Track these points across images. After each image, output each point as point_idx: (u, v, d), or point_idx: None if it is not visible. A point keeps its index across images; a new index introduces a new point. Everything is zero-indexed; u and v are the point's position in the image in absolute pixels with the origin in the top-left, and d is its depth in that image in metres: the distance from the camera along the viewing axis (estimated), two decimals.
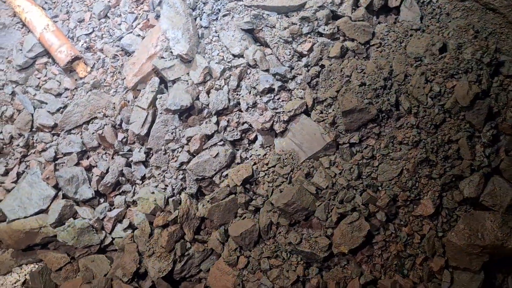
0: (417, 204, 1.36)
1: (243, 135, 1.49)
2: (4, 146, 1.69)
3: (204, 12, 1.56)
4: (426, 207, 1.34)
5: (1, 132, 1.69)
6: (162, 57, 1.52)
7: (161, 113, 1.51)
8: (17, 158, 1.68)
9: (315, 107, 1.43)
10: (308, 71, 1.45)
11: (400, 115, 1.37)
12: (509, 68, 1.35)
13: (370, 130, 1.38)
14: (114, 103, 1.61)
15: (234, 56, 1.52)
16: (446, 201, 1.35)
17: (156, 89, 1.53)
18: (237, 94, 1.50)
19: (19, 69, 1.69)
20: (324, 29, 1.46)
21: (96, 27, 1.68)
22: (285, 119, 1.43)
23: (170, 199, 1.47)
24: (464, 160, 1.33)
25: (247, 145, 1.50)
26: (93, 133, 1.62)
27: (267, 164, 1.44)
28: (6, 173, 1.69)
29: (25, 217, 1.55)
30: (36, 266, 1.61)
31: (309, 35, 1.47)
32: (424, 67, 1.38)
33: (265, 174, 1.44)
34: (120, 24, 1.66)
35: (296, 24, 1.46)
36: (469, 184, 1.31)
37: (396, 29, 1.47)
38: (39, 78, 1.71)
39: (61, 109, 1.66)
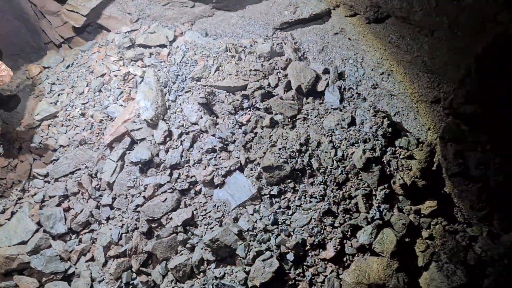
0: (323, 248, 1.68)
1: (190, 186, 1.90)
2: (6, 190, 2.18)
3: (172, 89, 2.08)
4: (328, 252, 1.66)
5: (6, 178, 2.18)
6: (134, 122, 2.01)
7: (127, 165, 1.97)
8: (14, 200, 2.14)
9: (247, 165, 1.85)
10: (244, 136, 1.89)
11: (312, 173, 1.77)
12: (401, 141, 1.75)
13: (287, 185, 1.76)
14: (94, 157, 2.09)
15: (192, 123, 2.00)
16: (347, 247, 1.67)
17: (127, 147, 2.00)
18: (189, 153, 1.94)
19: (28, 129, 2.22)
20: (259, 105, 1.93)
21: (91, 98, 2.23)
22: (222, 174, 1.85)
23: (124, 235, 1.86)
24: (361, 213, 1.67)
25: (193, 194, 1.90)
26: (75, 181, 2.09)
27: (205, 209, 1.83)
28: (3, 211, 2.15)
29: (8, 246, 1.97)
30: None
31: (248, 109, 1.94)
32: (334, 137, 1.80)
33: (203, 218, 1.82)
34: (109, 97, 2.21)
35: (239, 100, 1.95)
36: (363, 233, 1.64)
37: (320, 107, 1.93)
38: (41, 136, 2.24)
39: (53, 161, 2.15)
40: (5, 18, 2.71)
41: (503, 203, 1.51)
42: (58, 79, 2.37)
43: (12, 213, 2.10)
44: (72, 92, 2.29)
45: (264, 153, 1.80)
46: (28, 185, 2.16)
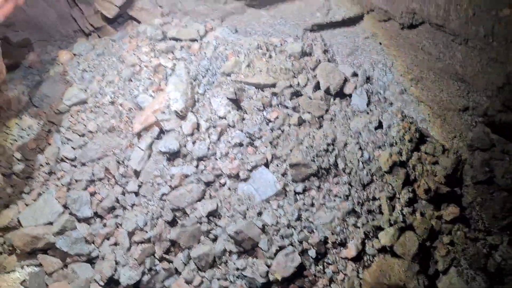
0: (344, 247, 1.72)
1: (215, 178, 1.95)
2: (33, 171, 2.24)
3: (201, 83, 2.12)
4: (350, 251, 1.70)
5: (33, 160, 2.24)
6: (163, 112, 2.06)
7: (154, 154, 2.02)
8: (40, 181, 2.21)
9: (273, 161, 1.89)
10: (271, 133, 1.93)
11: (337, 173, 1.80)
12: (426, 147, 1.78)
13: (312, 183, 1.80)
14: (122, 144, 2.14)
15: (220, 117, 2.04)
16: (368, 248, 1.70)
17: (155, 136, 2.05)
18: (216, 146, 1.99)
19: (57, 113, 2.28)
20: (288, 103, 1.97)
21: (121, 87, 2.28)
22: (248, 168, 1.89)
23: (149, 222, 1.91)
24: (384, 215, 1.71)
25: (218, 186, 1.95)
26: (102, 166, 2.14)
27: (229, 202, 1.88)
28: (30, 192, 2.21)
29: (35, 225, 2.03)
30: (36, 269, 2.05)
31: (277, 107, 1.98)
32: (360, 138, 1.84)
33: (227, 210, 1.86)
34: (139, 87, 2.26)
35: (268, 97, 1.99)
36: (385, 235, 1.68)
37: (347, 109, 1.96)
38: (70, 121, 2.29)
39: (82, 146, 2.21)
40: (38, 4, 2.76)
41: None
42: (89, 67, 2.43)
43: (39, 194, 2.15)
44: (102, 80, 2.35)
45: (291, 150, 1.84)
46: (56, 167, 2.22)
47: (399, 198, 1.73)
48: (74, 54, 2.60)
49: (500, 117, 1.16)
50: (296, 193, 1.79)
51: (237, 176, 1.89)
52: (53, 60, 2.64)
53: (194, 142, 1.98)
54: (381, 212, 1.71)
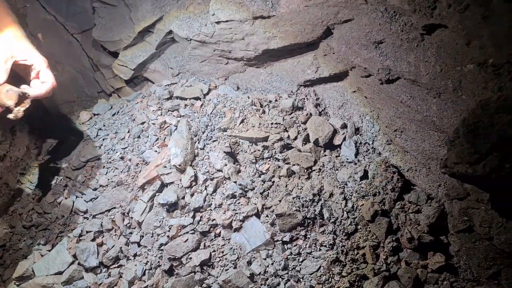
0: None
1: (211, 228, 2.05)
2: (50, 224, 2.42)
3: (201, 138, 2.28)
4: None
5: (51, 213, 2.43)
6: (165, 167, 2.22)
7: (155, 206, 2.16)
8: (56, 233, 2.38)
9: (263, 211, 1.97)
10: (263, 184, 2.03)
11: (323, 223, 1.86)
12: (410, 196, 1.82)
13: (299, 232, 1.87)
14: (127, 197, 2.30)
15: (216, 170, 2.17)
16: None
17: (157, 189, 2.20)
18: (212, 198, 2.11)
19: (74, 169, 2.49)
20: (278, 156, 2.08)
21: (130, 143, 2.48)
22: (240, 219, 1.99)
23: (147, 271, 2.02)
24: (368, 264, 1.74)
25: (213, 236, 2.05)
26: (109, 218, 2.30)
27: (222, 252, 1.96)
28: (46, 243, 2.39)
29: (46, 275, 2.18)
30: None
31: (268, 159, 2.09)
32: (346, 189, 1.90)
33: (220, 260, 1.95)
34: (146, 143, 2.45)
35: (260, 150, 2.11)
36: (370, 284, 1.69)
37: (335, 160, 2.05)
38: (85, 176, 2.49)
39: (93, 199, 2.39)
40: (66, 69, 3.08)
41: (510, 262, 1.53)
42: (104, 125, 2.65)
43: (53, 245, 2.32)
44: (115, 138, 2.56)
45: (280, 201, 1.92)
46: (69, 220, 2.39)
47: (383, 247, 1.76)
48: (94, 114, 2.86)
49: (457, 169, 1.22)
50: (283, 242, 1.86)
51: (230, 226, 1.99)
52: (76, 119, 2.90)
53: (192, 194, 2.11)
54: (365, 261, 1.74)
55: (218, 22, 2.20)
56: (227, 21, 2.16)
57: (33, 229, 2.43)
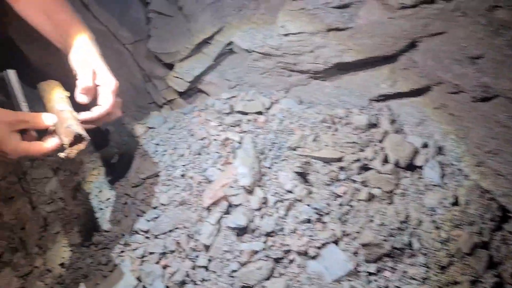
0: None
1: (284, 255, 1.94)
2: (110, 242, 2.35)
3: (268, 156, 2.17)
4: None
5: (110, 231, 2.36)
6: (231, 187, 2.12)
7: (223, 229, 2.06)
8: (116, 252, 2.31)
9: (343, 238, 1.85)
10: (340, 209, 1.91)
11: (412, 253, 1.72)
12: (510, 226, 1.66)
13: (385, 263, 1.74)
14: (192, 218, 2.21)
15: (286, 191, 2.06)
16: None
17: (224, 210, 2.10)
18: (283, 221, 1.99)
19: (133, 186, 2.42)
20: (356, 178, 1.95)
21: (191, 160, 2.39)
22: (317, 245, 1.87)
23: None
24: None
25: (287, 263, 1.93)
26: (173, 239, 2.21)
27: (299, 281, 1.84)
28: (107, 263, 2.32)
29: None
30: None
31: (344, 181, 1.96)
32: (436, 216, 1.76)
33: None
34: (208, 160, 2.35)
35: (335, 171, 1.98)
36: None
37: (418, 183, 1.90)
38: (144, 194, 2.42)
39: (154, 219, 2.31)
40: (119, 83, 3.01)
41: None
42: (161, 140, 2.57)
43: (115, 266, 2.25)
44: (174, 154, 2.47)
45: (361, 227, 1.79)
46: (130, 239, 2.32)
47: (482, 282, 1.61)
48: (149, 127, 2.79)
49: None
50: (369, 273, 1.73)
51: (306, 253, 1.87)
52: (130, 132, 2.84)
53: (262, 217, 2.00)
54: None
55: (286, 34, 2.09)
56: (297, 33, 2.04)
57: (92, 248, 2.37)
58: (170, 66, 2.80)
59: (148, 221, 2.32)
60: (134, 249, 2.30)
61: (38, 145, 1.39)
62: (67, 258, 2.44)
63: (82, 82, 1.47)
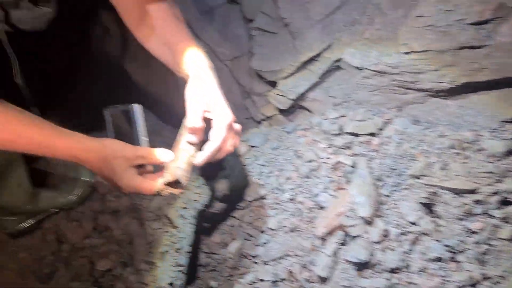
0: None
1: None
2: (218, 265, 2.34)
3: (387, 183, 2.02)
4: None
5: (219, 254, 2.35)
6: (348, 216, 2.00)
7: (341, 262, 1.95)
8: (224, 276, 2.29)
9: (483, 282, 1.66)
10: (477, 248, 1.72)
11: None
12: None
13: None
14: (304, 246, 2.13)
15: (410, 223, 1.90)
16: None
17: (340, 241, 1.99)
18: (408, 257, 1.84)
19: (240, 208, 2.38)
20: (495, 213, 1.74)
21: (299, 184, 2.31)
22: None
23: None
24: None
25: None
26: (284, 267, 2.14)
27: None
28: (217, 286, 2.31)
29: None
30: None
31: (480, 216, 1.77)
32: None
33: None
34: (318, 184, 2.25)
35: (468, 204, 1.79)
36: None
37: None
38: (251, 217, 2.38)
39: (263, 244, 2.25)
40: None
41: None
42: (266, 161, 2.52)
43: None
44: (280, 176, 2.40)
45: (505, 271, 1.60)
46: (238, 263, 2.29)
47: None
48: (251, 146, 2.75)
49: None
50: None
51: None
52: (234, 151, 2.81)
53: (383, 251, 1.86)
54: None
55: (408, 53, 1.93)
56: (421, 51, 1.87)
57: (200, 270, 2.37)
58: (270, 83, 2.74)
59: (257, 245, 2.27)
60: (242, 274, 2.27)
61: (150, 185, 1.39)
62: (176, 277, 2.46)
63: (190, 122, 1.41)
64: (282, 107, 2.71)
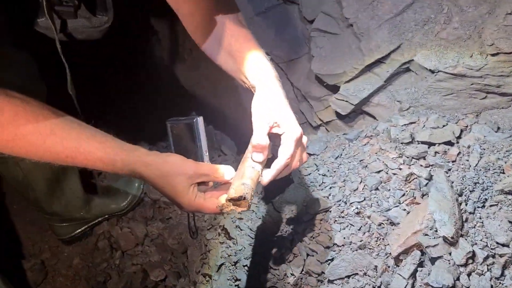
0: None
1: None
2: (278, 281, 2.21)
3: (470, 199, 1.83)
4: None
5: (278, 269, 2.22)
6: (426, 235, 1.82)
7: (420, 285, 1.77)
8: None
9: None
10: None
11: None
12: None
13: None
14: (375, 265, 1.96)
15: (499, 244, 1.71)
16: None
17: (417, 262, 1.82)
18: (500, 283, 1.65)
19: (302, 222, 2.24)
20: None
21: (367, 197, 2.14)
22: None
23: None
24: None
25: None
26: (352, 286, 1.99)
27: None
28: None
29: None
30: None
31: None
32: None
33: None
34: (388, 198, 2.08)
35: None
36: None
37: None
38: (313, 231, 2.23)
39: (328, 261, 2.11)
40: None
41: None
42: (328, 171, 2.37)
43: None
44: (344, 187, 2.25)
45: None
46: (301, 280, 2.15)
47: None
48: (309, 154, 2.60)
49: None
50: None
51: None
52: None
53: (469, 275, 1.67)
54: None
55: (495, 54, 1.72)
56: (510, 53, 1.66)
57: (259, 286, 2.25)
58: (330, 86, 2.59)
59: (321, 262, 2.13)
60: None
61: (213, 204, 1.28)
62: None
63: (255, 139, 1.28)
64: (342, 112, 2.55)
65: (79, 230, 2.87)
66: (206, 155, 1.36)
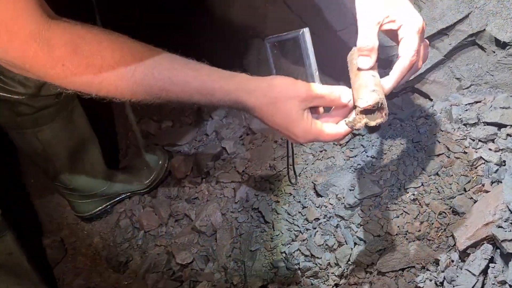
0: None
1: None
2: (320, 271, 2.03)
3: None
4: None
5: (321, 258, 2.04)
6: (501, 227, 1.62)
7: (493, 283, 1.58)
8: (330, 284, 1.99)
9: None
10: None
11: None
12: None
13: None
14: (436, 258, 1.77)
15: None
16: None
17: (489, 257, 1.62)
18: None
19: (348, 207, 2.05)
20: None
21: (426, 182, 1.94)
22: None
23: None
24: None
25: None
26: (406, 280, 1.80)
27: None
28: None
29: None
30: None
31: None
32: None
33: None
34: (451, 184, 1.88)
35: None
36: None
37: None
38: (362, 218, 2.04)
39: (380, 251, 1.92)
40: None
41: None
42: (377, 152, 2.16)
43: None
44: (397, 170, 2.05)
45: None
46: (347, 271, 1.97)
47: None
48: (354, 134, 2.39)
49: None
50: None
51: None
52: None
53: None
54: None
55: None
56: None
57: (298, 273, 2.07)
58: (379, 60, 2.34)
59: (371, 253, 1.94)
60: (353, 285, 1.95)
61: (333, 130, 1.08)
62: (269, 280, 2.19)
63: (360, 40, 1.07)
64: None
65: (100, 207, 2.71)
66: (317, 75, 1.14)
